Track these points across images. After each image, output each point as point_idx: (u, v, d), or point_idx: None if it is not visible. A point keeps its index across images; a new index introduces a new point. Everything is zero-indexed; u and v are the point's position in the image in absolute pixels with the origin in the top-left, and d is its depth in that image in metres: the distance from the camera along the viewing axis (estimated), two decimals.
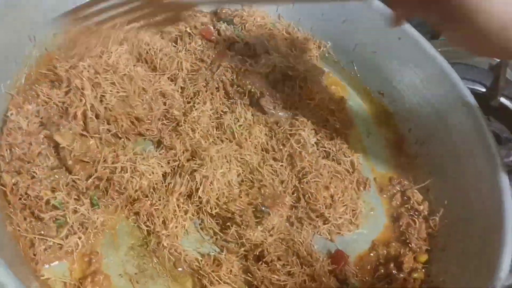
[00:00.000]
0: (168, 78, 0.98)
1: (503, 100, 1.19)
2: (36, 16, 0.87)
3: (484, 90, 1.21)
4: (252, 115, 0.98)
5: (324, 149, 0.99)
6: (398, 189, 1.01)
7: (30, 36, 0.87)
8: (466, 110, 0.98)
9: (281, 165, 0.92)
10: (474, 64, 1.28)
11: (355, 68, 1.14)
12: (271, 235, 0.82)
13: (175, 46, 1.02)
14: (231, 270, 0.79)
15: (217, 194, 0.83)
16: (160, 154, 0.89)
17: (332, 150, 0.99)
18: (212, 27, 1.08)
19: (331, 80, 1.15)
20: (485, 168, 0.90)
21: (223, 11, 1.11)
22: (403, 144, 1.08)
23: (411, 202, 0.98)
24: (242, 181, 0.89)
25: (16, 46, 0.84)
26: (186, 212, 0.83)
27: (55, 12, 0.84)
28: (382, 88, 1.12)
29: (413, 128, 1.07)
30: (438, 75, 1.04)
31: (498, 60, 1.27)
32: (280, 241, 0.84)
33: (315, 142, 0.98)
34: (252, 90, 0.99)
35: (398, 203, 1.00)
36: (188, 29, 1.04)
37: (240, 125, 0.94)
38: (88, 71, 0.85)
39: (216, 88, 1.00)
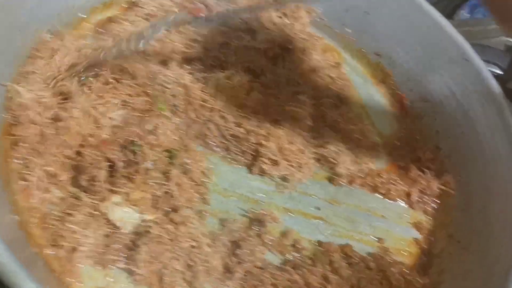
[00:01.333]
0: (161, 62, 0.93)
1: None
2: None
3: (500, 72, 1.20)
4: None
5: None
6: (407, 150, 1.01)
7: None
8: (469, 65, 0.97)
9: None
10: (490, 45, 1.27)
11: (349, 31, 1.11)
12: None
13: (167, 31, 0.96)
14: None
15: None
16: None
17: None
18: (200, 4, 1.02)
19: (325, 46, 1.12)
20: (498, 124, 0.90)
21: None
22: (406, 104, 1.07)
23: (422, 161, 0.98)
24: None
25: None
26: None
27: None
28: (378, 49, 1.09)
29: (414, 87, 1.06)
30: (434, 29, 1.02)
31: None
32: None
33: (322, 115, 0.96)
34: (252, 67, 0.95)
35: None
36: (176, 9, 0.98)
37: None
38: None
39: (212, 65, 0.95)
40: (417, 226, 0.91)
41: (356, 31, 1.10)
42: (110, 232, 0.71)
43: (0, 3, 0.76)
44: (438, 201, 0.94)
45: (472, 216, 0.88)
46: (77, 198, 0.73)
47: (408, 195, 0.93)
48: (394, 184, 0.92)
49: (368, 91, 1.09)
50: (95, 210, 0.72)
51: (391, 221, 0.90)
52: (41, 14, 0.85)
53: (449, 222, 0.91)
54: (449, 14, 1.74)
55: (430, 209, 0.93)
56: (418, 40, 1.04)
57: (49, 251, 0.69)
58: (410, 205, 0.93)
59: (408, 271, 0.81)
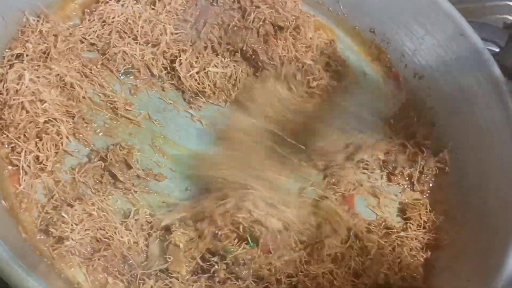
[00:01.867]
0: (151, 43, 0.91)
1: None
2: None
3: (498, 50, 1.18)
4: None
5: None
6: (402, 126, 0.99)
7: None
8: (465, 40, 0.95)
9: None
10: (487, 22, 1.24)
11: (342, 8, 1.09)
12: None
13: (154, 9, 0.94)
14: None
15: None
16: None
17: None
18: None
19: (318, 24, 1.09)
20: (494, 97, 0.89)
21: None
22: (401, 81, 1.05)
23: (416, 137, 0.97)
24: None
25: None
26: None
27: None
28: (373, 26, 1.07)
29: (409, 63, 1.04)
30: (429, 4, 1.00)
31: None
32: None
33: None
34: (244, 48, 0.94)
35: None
36: None
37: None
38: None
39: (204, 47, 0.94)
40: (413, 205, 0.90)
41: (350, 8, 1.08)
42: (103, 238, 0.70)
43: None
44: (433, 180, 0.92)
45: (468, 192, 0.88)
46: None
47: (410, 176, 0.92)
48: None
49: (363, 68, 1.07)
50: (97, 209, 0.71)
51: None
52: None
53: (445, 200, 0.90)
54: None
55: (426, 188, 0.92)
56: (413, 17, 1.02)
57: (38, 237, 0.69)
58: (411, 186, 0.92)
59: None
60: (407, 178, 0.93)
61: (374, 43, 1.08)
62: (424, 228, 0.87)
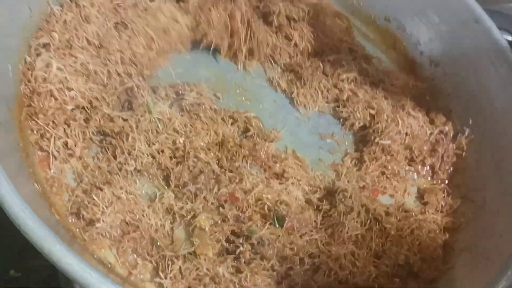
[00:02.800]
0: None
1: None
2: None
3: (510, 38, 1.19)
4: None
5: None
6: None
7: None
8: (479, 27, 0.97)
9: None
10: (500, 10, 1.25)
11: None
12: None
13: None
14: None
15: None
16: None
17: None
18: None
19: (334, 12, 1.11)
20: (509, 81, 0.90)
21: None
22: (416, 68, 1.06)
23: (435, 123, 0.98)
24: None
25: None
26: None
27: None
28: (387, 13, 1.09)
29: (425, 51, 1.06)
30: None
31: None
32: None
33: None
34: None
35: None
36: None
37: None
38: None
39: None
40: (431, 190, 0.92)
41: None
42: (132, 221, 0.72)
43: None
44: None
45: (485, 174, 0.89)
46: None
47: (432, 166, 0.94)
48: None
49: (379, 56, 1.08)
50: (125, 192, 0.73)
51: None
52: None
53: (462, 183, 0.92)
54: None
55: (445, 177, 0.94)
56: (428, 3, 1.03)
57: (69, 219, 0.71)
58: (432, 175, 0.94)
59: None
60: (428, 168, 0.94)
61: (389, 31, 1.09)
62: (441, 211, 0.89)
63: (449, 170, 0.95)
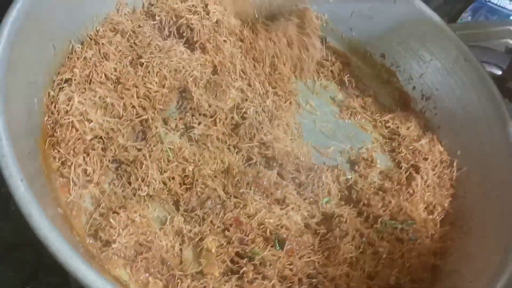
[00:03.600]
0: None
1: None
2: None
3: (500, 72, 1.27)
4: None
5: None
6: None
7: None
8: (468, 65, 1.04)
9: None
10: (490, 46, 1.34)
11: (354, 34, 1.19)
12: None
13: None
14: None
15: None
16: None
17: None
18: None
19: (331, 49, 1.19)
20: (495, 117, 0.98)
21: None
22: (409, 102, 1.14)
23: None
24: None
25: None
26: None
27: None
28: (383, 51, 1.17)
29: (417, 86, 1.13)
30: (434, 31, 1.09)
31: None
32: None
33: None
34: None
35: None
36: None
37: None
38: None
39: None
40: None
41: (362, 34, 1.18)
42: (144, 242, 0.78)
43: (31, 15, 0.81)
44: None
45: (472, 204, 0.95)
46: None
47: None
48: None
49: (374, 90, 1.16)
50: (139, 216, 0.79)
51: None
52: (69, 24, 0.92)
53: (451, 211, 0.98)
54: (452, 18, 1.82)
55: None
56: (420, 42, 1.12)
57: (87, 241, 0.77)
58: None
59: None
60: None
61: (384, 66, 1.17)
62: (432, 238, 0.95)
63: None
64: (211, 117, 0.95)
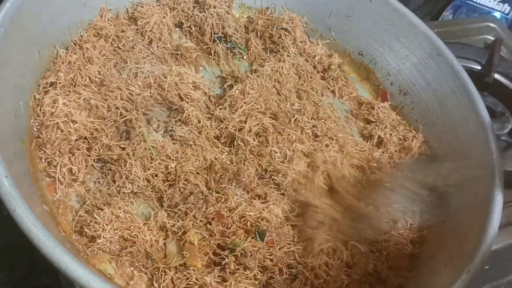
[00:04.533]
0: None
1: (497, 76, 1.30)
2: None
3: (479, 67, 1.30)
4: None
5: None
6: None
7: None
8: (442, 59, 1.08)
9: None
10: (469, 43, 1.37)
11: (333, 33, 1.22)
12: None
13: None
14: None
15: None
16: None
17: None
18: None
19: None
20: (469, 110, 1.01)
21: None
22: (387, 97, 1.17)
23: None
24: None
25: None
26: None
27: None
28: (361, 48, 1.20)
29: (394, 81, 1.17)
30: (409, 29, 1.13)
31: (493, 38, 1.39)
32: None
33: None
34: None
35: None
36: None
37: None
38: None
39: None
40: None
41: (340, 33, 1.21)
42: (129, 237, 0.81)
43: (16, 22, 0.84)
44: None
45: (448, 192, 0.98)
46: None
47: None
48: None
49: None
50: (123, 212, 0.82)
51: None
52: (54, 30, 0.95)
53: None
54: (434, 17, 1.86)
55: None
56: (396, 38, 1.15)
57: (73, 237, 0.80)
58: None
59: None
60: None
61: (363, 64, 1.21)
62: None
63: None
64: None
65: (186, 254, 0.81)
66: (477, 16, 1.73)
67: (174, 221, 0.85)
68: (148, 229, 0.83)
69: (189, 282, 0.79)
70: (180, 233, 0.83)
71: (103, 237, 0.79)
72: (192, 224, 0.85)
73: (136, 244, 0.81)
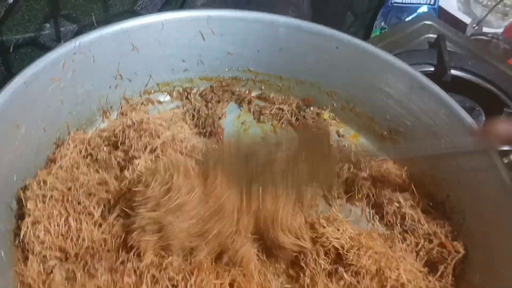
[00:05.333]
0: None
1: (453, 72, 1.28)
2: None
3: (433, 68, 1.29)
4: None
5: None
6: None
7: None
8: (426, 91, 1.05)
9: None
10: (414, 48, 1.35)
11: (321, 88, 1.18)
12: None
13: None
14: None
15: None
16: None
17: None
18: None
19: None
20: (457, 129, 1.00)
21: None
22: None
23: None
24: None
25: None
26: None
27: None
28: (351, 100, 1.16)
29: (390, 124, 1.13)
30: (384, 65, 1.09)
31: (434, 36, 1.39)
32: None
33: None
34: None
35: None
36: None
37: None
38: None
39: None
40: None
41: (328, 87, 1.17)
42: None
43: None
44: None
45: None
46: None
47: None
48: None
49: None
50: None
51: None
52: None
53: None
54: (368, 27, 1.86)
55: None
56: (377, 80, 1.11)
57: None
58: None
59: None
60: None
61: (353, 110, 1.17)
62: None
63: None
64: None
65: None
66: (411, 19, 1.73)
67: None
68: None
69: None
70: None
71: None
72: None
73: None
